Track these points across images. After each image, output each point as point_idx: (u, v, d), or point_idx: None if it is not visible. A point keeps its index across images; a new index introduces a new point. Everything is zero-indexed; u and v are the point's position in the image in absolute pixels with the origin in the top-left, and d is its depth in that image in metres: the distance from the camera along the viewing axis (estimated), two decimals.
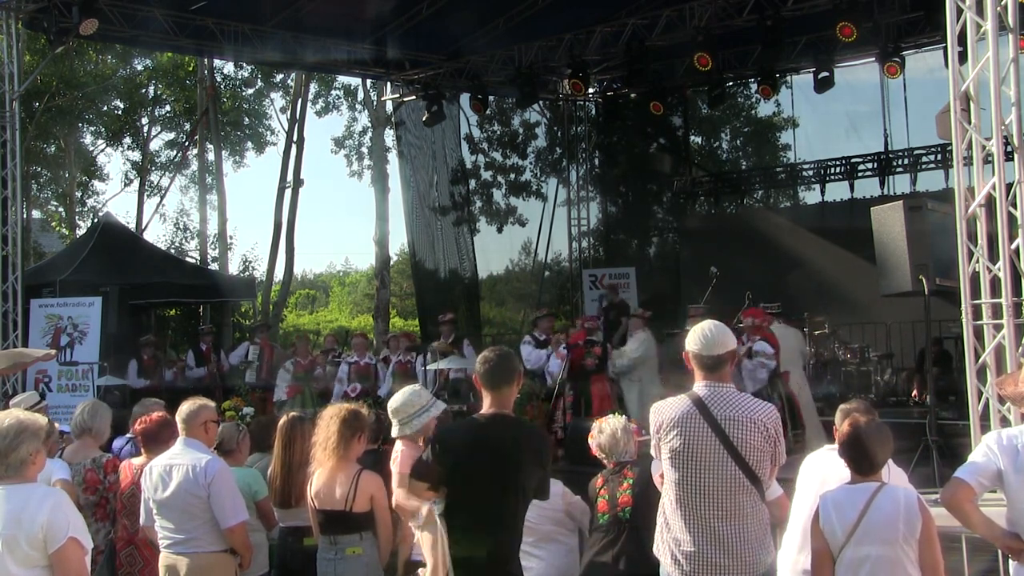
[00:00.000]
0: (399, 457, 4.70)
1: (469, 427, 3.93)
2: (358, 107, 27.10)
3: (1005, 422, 5.88)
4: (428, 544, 3.90)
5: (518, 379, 4.06)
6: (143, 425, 5.36)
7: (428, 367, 11.00)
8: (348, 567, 4.65)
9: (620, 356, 10.93)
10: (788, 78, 15.98)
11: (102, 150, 27.91)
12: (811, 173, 16.57)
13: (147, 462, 5.12)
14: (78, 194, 27.17)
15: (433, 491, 3.89)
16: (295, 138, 24.28)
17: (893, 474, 4.10)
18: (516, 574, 3.93)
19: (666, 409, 3.91)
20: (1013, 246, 6.10)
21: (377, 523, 4.75)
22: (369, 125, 25.56)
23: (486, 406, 3.99)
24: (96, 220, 21.66)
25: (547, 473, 4.02)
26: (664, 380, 10.22)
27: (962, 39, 6.40)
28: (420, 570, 4.05)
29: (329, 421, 4.77)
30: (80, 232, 24.06)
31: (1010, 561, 3.94)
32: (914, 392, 12.36)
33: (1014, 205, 6.07)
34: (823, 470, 4.26)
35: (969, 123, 6.35)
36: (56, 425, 5.61)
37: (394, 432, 4.64)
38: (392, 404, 4.53)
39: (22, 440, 3.46)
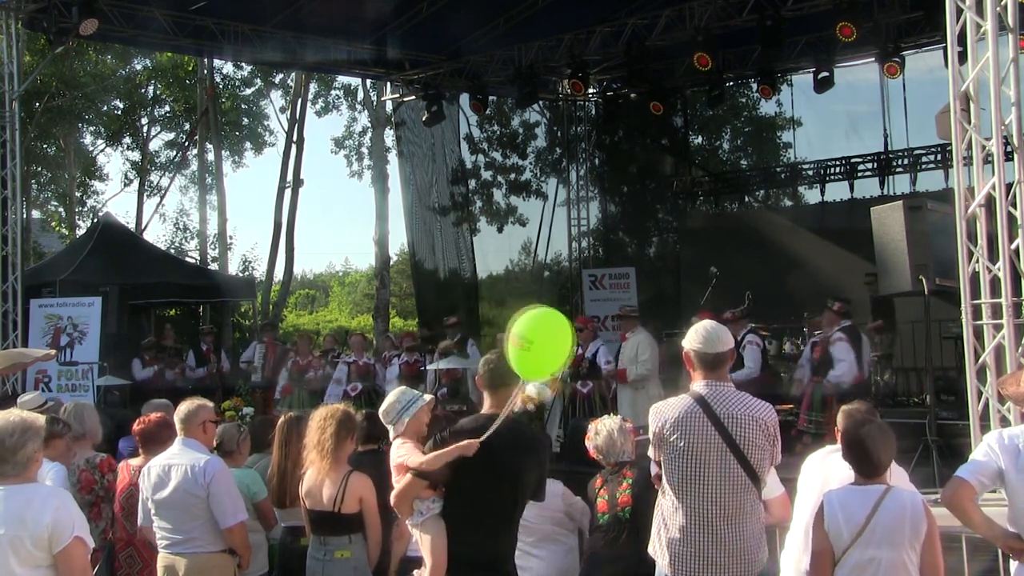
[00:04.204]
0: (397, 453, 4.68)
1: (471, 427, 3.94)
2: (358, 107, 27.17)
3: (1005, 422, 5.88)
4: (427, 543, 3.89)
5: (519, 381, 4.07)
6: (141, 426, 5.35)
7: (429, 367, 11.01)
8: (336, 569, 4.64)
9: (637, 364, 10.29)
10: (788, 78, 15.98)
11: (102, 150, 28.01)
12: (811, 173, 16.55)
13: (145, 462, 5.12)
14: (78, 194, 27.19)
15: (432, 489, 3.90)
16: (295, 138, 24.32)
17: (895, 474, 4.10)
18: (513, 573, 3.94)
19: (667, 409, 3.91)
20: (1013, 246, 6.10)
21: (366, 525, 4.75)
22: (369, 125, 25.60)
23: (486, 407, 4.01)
24: (96, 220, 21.67)
25: (544, 474, 4.03)
26: (665, 380, 10.21)
27: (962, 39, 6.39)
28: (416, 572, 4.03)
29: (324, 422, 4.76)
30: (80, 232, 24.07)
31: (1011, 561, 3.94)
32: None
33: (1014, 205, 6.07)
34: (825, 471, 4.26)
35: (969, 123, 6.35)
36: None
37: (391, 435, 4.63)
38: (380, 409, 4.53)
39: (28, 438, 3.47)
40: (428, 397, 4.38)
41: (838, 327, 9.40)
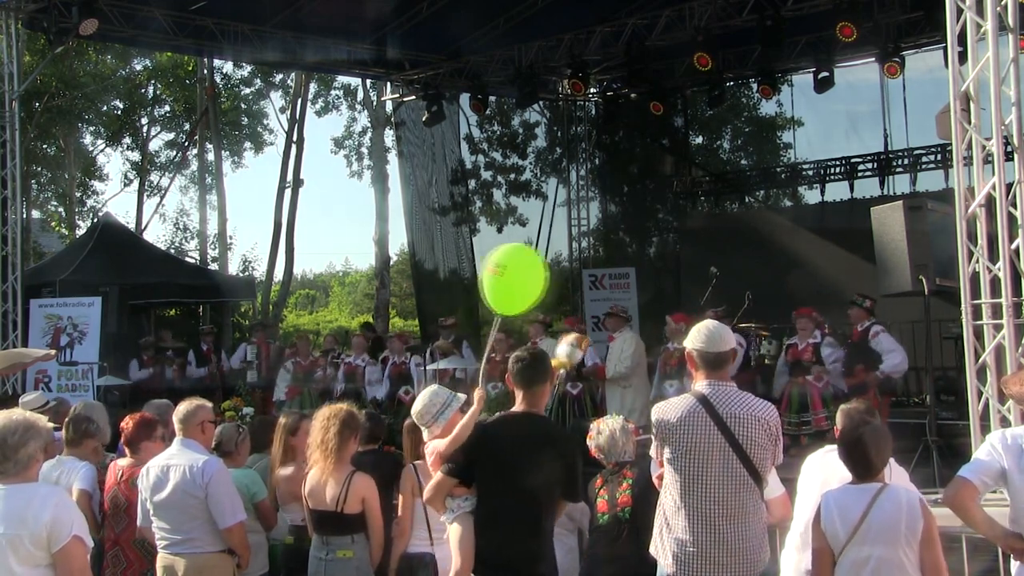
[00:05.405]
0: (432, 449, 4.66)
1: (500, 425, 3.92)
2: (358, 107, 27.18)
3: (1005, 422, 5.88)
4: (455, 540, 3.88)
5: (552, 379, 4.04)
6: (123, 426, 5.35)
7: (428, 367, 11.00)
8: (337, 569, 4.64)
9: (617, 362, 10.16)
10: (788, 78, 15.98)
11: (102, 150, 27.98)
12: (811, 173, 16.55)
13: (131, 463, 5.14)
14: (78, 194, 27.17)
15: (464, 487, 3.88)
16: (295, 138, 24.31)
17: (895, 474, 4.09)
18: (546, 574, 3.89)
19: (669, 409, 3.90)
20: (1013, 246, 6.10)
21: (369, 526, 4.74)
22: (369, 125, 25.60)
23: (518, 405, 3.98)
24: (96, 220, 21.66)
25: (574, 472, 3.98)
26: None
27: (962, 39, 6.39)
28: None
29: (328, 422, 4.75)
30: (80, 232, 24.07)
31: (1012, 561, 3.93)
32: None
33: (1014, 205, 6.07)
34: (824, 470, 4.26)
35: (969, 123, 6.35)
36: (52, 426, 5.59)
37: (425, 437, 4.52)
38: (415, 410, 4.36)
39: (30, 437, 3.48)
40: (462, 396, 4.26)
41: (869, 322, 9.32)
